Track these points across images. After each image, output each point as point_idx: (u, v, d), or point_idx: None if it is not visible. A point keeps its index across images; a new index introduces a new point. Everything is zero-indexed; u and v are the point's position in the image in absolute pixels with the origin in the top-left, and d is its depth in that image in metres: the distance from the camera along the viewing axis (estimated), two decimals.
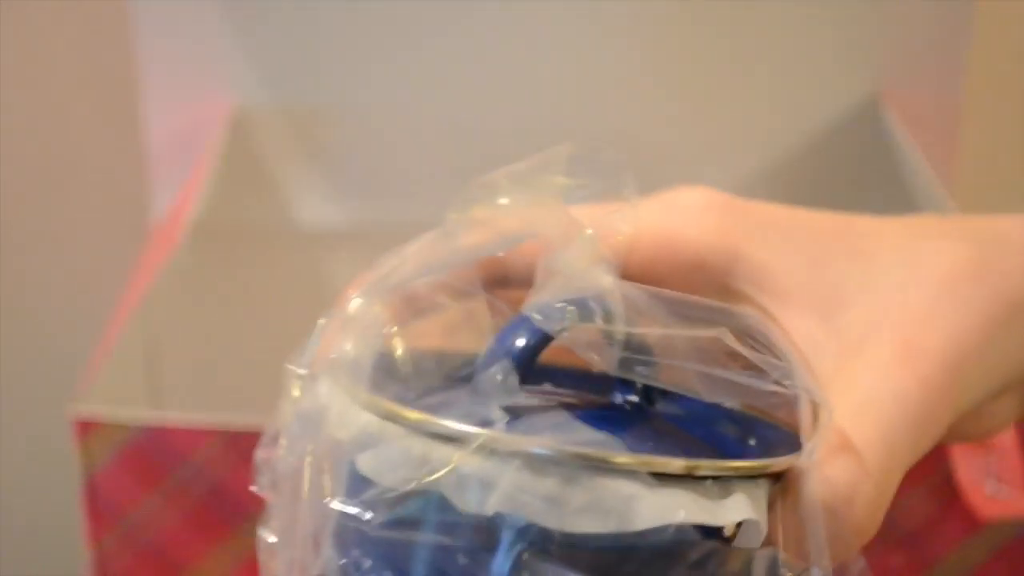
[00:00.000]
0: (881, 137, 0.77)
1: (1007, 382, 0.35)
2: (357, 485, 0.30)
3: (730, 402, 0.33)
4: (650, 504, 0.29)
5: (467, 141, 0.79)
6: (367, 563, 0.30)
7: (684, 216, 0.35)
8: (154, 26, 0.76)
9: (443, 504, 0.29)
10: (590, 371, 0.33)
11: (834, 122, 0.78)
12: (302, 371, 0.33)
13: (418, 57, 0.77)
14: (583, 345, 0.31)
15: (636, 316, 0.31)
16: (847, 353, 0.32)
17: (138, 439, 0.52)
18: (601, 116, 0.78)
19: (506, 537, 0.29)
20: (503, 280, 0.34)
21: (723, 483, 0.29)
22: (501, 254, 0.34)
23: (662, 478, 0.29)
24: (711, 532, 0.29)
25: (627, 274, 0.32)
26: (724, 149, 0.79)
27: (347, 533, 0.30)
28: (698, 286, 0.34)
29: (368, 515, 0.30)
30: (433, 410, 0.29)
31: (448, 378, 0.33)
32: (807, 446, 0.30)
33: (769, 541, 0.30)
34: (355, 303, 0.33)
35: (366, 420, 0.30)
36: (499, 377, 0.30)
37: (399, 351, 0.33)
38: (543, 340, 0.31)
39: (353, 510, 0.30)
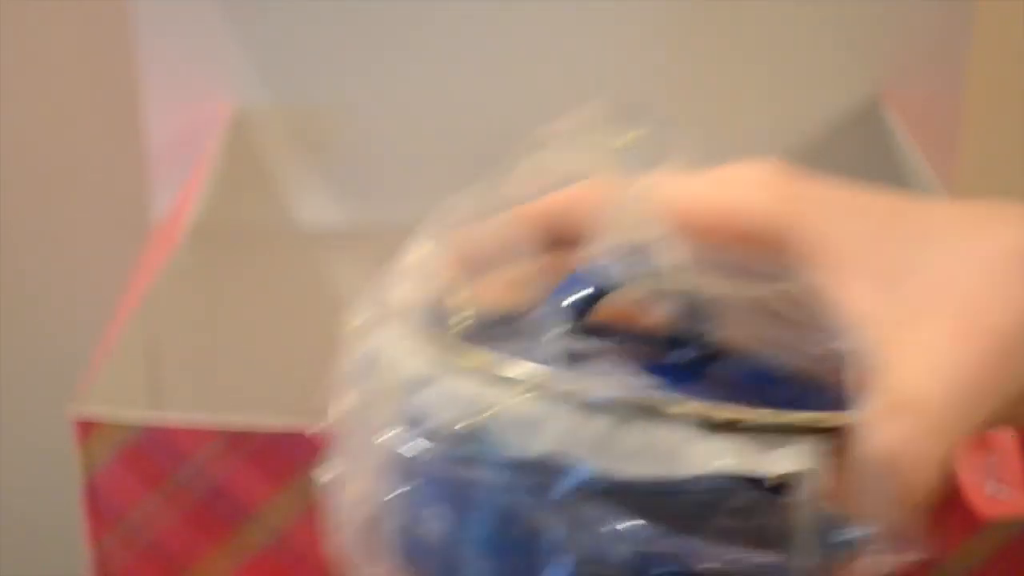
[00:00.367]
0: (881, 137, 0.77)
1: None
2: (413, 423, 0.31)
3: (784, 362, 0.34)
4: (698, 452, 0.29)
5: (467, 141, 0.79)
6: (423, 497, 0.31)
7: (742, 188, 0.35)
8: (154, 26, 0.76)
9: (496, 443, 0.29)
10: (646, 332, 0.33)
11: (834, 122, 0.78)
12: (362, 314, 0.33)
13: (418, 57, 0.77)
14: (638, 300, 0.32)
15: (690, 274, 0.32)
16: (904, 324, 0.33)
17: (138, 439, 0.52)
18: None
19: (555, 478, 0.29)
20: (559, 239, 0.34)
21: (773, 436, 0.30)
22: (558, 212, 0.34)
23: (712, 427, 0.29)
24: (759, 484, 0.30)
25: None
26: (724, 149, 0.79)
27: (404, 468, 0.31)
28: (753, 258, 0.34)
29: (423, 450, 0.30)
30: (487, 354, 0.30)
31: (502, 327, 0.33)
32: (862, 404, 0.31)
33: (822, 497, 0.30)
34: (414, 251, 0.33)
35: (422, 361, 0.31)
36: (554, 327, 0.31)
37: (455, 300, 0.33)
38: (600, 293, 0.32)
39: (409, 446, 0.30)
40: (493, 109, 0.78)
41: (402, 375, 0.31)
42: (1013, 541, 0.54)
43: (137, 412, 0.52)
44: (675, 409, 0.29)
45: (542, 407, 0.29)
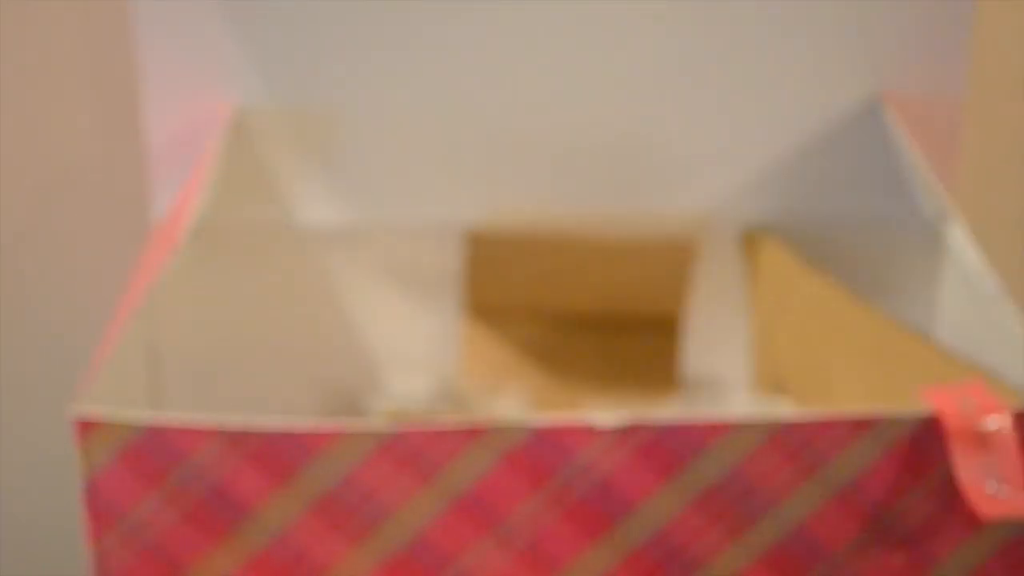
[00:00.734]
0: (881, 137, 0.77)
1: None
2: None
3: None
4: None
5: (467, 142, 0.79)
6: None
7: None
8: (154, 26, 0.76)
9: None
10: None
11: (834, 122, 0.78)
12: None
13: (419, 58, 0.77)
14: None
15: None
16: None
17: (139, 439, 0.52)
18: (601, 116, 0.78)
19: None
20: None
21: None
22: None
23: None
24: None
25: None
26: (724, 149, 0.79)
27: None
28: None
29: None
30: None
31: None
32: None
33: None
34: None
35: None
36: None
37: None
38: None
39: None
40: (493, 109, 0.78)
41: None
42: (1013, 541, 0.54)
43: (137, 412, 0.52)
44: None
45: None
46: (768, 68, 0.77)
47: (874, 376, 0.69)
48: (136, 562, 0.53)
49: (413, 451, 0.52)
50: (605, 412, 0.53)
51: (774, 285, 0.79)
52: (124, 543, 0.53)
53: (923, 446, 0.53)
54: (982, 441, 0.52)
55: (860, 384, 0.70)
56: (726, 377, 0.83)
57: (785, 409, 0.76)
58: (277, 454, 0.52)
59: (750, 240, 0.80)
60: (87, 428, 0.52)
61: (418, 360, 0.84)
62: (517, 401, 0.81)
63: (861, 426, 0.52)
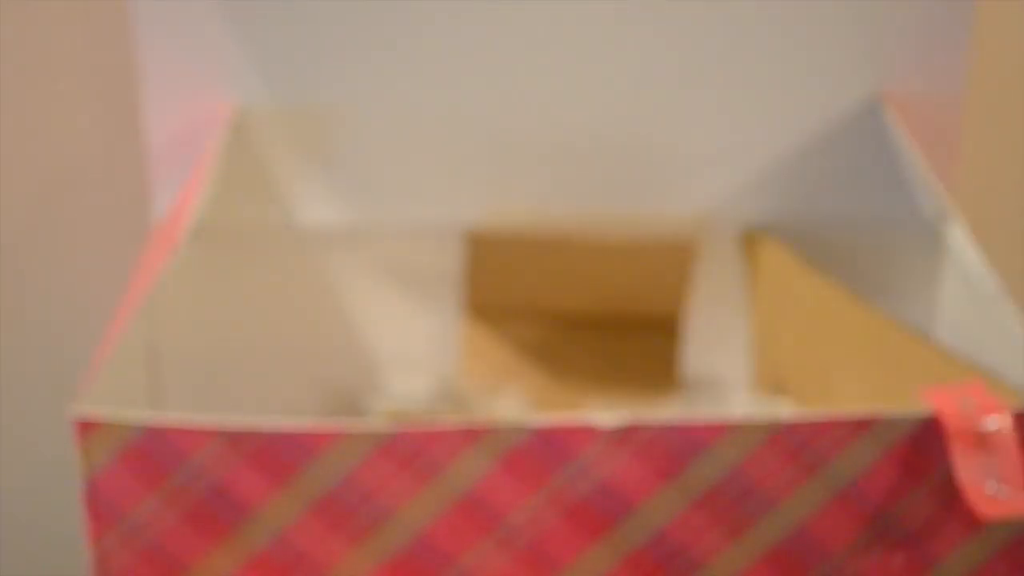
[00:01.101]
0: (881, 137, 0.78)
1: None
2: None
3: None
4: None
5: (467, 142, 0.79)
6: None
7: None
8: (154, 26, 0.76)
9: None
10: None
11: (834, 122, 0.78)
12: None
13: (419, 58, 0.77)
14: None
15: None
16: None
17: (139, 439, 0.52)
18: (601, 116, 0.78)
19: None
20: None
21: None
22: None
23: None
24: None
25: None
26: (724, 149, 0.79)
27: None
28: None
29: None
30: None
31: None
32: None
33: None
34: None
35: None
36: None
37: None
38: None
39: None
40: (493, 109, 0.78)
41: None
42: (1013, 541, 0.54)
43: (137, 412, 0.52)
44: None
45: None
46: (768, 68, 0.77)
47: (874, 376, 0.69)
48: (136, 562, 0.53)
49: (413, 451, 0.52)
50: (605, 412, 0.53)
51: (774, 285, 0.79)
52: (124, 543, 0.53)
53: (923, 446, 0.53)
54: (982, 441, 0.52)
55: (860, 384, 0.70)
56: (726, 377, 0.83)
57: (785, 409, 0.76)
58: (277, 454, 0.52)
59: (750, 240, 0.80)
60: (87, 428, 0.52)
61: (418, 360, 0.84)
62: (517, 401, 0.81)
63: (861, 426, 0.52)
